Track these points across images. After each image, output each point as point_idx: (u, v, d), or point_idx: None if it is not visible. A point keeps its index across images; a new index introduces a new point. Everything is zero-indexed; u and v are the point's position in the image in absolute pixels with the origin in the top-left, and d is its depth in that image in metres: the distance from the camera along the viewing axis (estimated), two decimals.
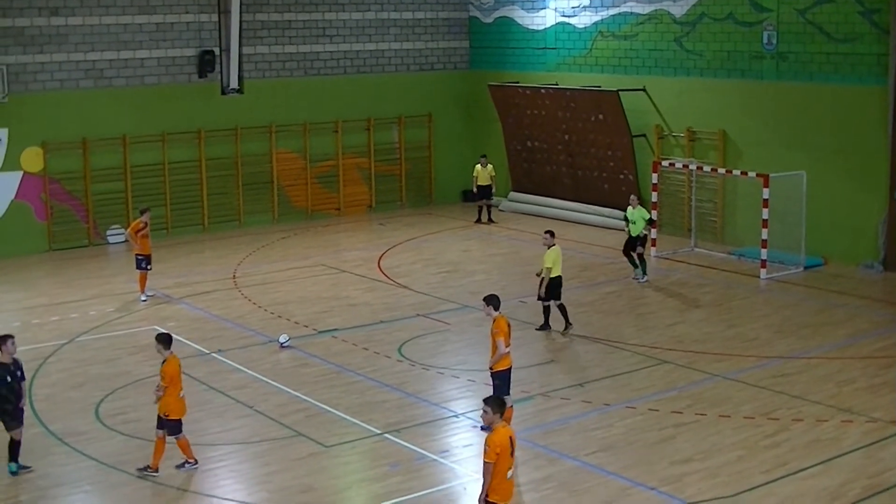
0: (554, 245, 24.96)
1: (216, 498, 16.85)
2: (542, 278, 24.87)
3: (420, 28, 41.58)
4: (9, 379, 17.46)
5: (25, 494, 16.94)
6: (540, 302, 25.27)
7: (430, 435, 19.20)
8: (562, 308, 25.12)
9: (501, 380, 18.80)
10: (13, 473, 17.56)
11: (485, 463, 13.48)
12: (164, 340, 17.63)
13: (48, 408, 20.44)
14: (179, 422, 17.56)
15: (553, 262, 24.86)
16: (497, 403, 13.77)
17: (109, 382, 21.74)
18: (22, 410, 17.74)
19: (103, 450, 18.50)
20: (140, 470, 17.53)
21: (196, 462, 17.71)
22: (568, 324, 25.08)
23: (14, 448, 17.68)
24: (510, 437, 13.61)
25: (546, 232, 25.44)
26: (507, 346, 18.66)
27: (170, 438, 17.51)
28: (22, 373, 17.75)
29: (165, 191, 36.15)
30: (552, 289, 24.99)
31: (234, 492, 17.09)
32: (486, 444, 13.50)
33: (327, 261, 32.54)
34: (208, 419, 19.95)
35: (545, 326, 25.23)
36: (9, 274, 31.54)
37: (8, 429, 17.66)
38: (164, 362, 17.44)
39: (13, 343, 17.65)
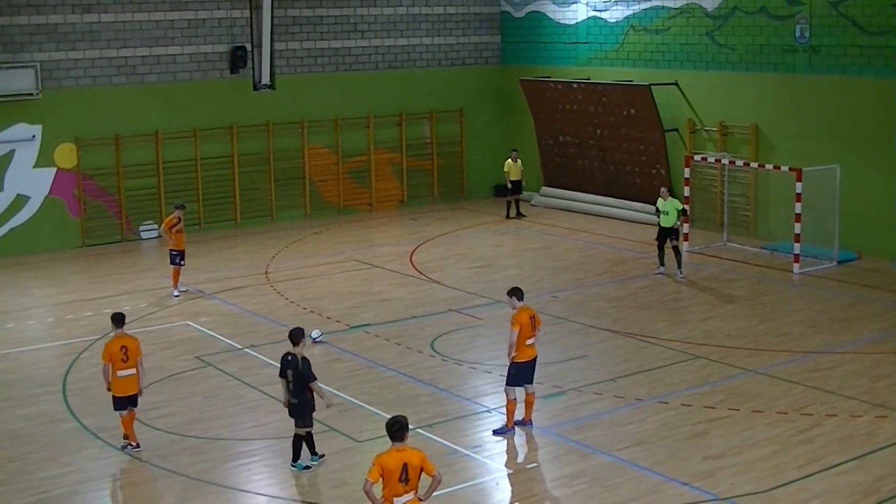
0: None
1: (249, 493, 16.91)
2: None
3: (451, 23, 41.56)
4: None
5: (59, 489, 17.05)
6: None
7: (463, 430, 19.21)
8: None
9: (517, 370, 18.78)
10: (305, 468, 17.66)
11: (365, 479, 12.91)
12: (115, 319, 18.56)
13: (82, 402, 20.55)
14: (115, 399, 18.31)
15: None
16: (391, 427, 13.20)
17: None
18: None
19: None
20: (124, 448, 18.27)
21: (138, 445, 18.37)
22: None
23: (307, 442, 17.82)
24: (404, 464, 12.97)
25: None
26: (529, 339, 18.67)
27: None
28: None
29: (198, 186, 36.27)
30: None
31: (268, 486, 17.14)
32: (372, 461, 13.04)
33: (359, 256, 32.57)
34: (241, 414, 20.03)
35: None
36: (43, 269, 31.74)
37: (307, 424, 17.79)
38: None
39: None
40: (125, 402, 18.25)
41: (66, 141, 34.14)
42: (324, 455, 17.84)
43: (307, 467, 17.59)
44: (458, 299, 27.63)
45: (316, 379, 17.51)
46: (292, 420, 17.64)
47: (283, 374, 17.64)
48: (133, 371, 18.20)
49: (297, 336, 17.64)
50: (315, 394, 17.53)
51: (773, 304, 27.15)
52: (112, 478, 17.67)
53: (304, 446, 17.74)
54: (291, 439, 17.74)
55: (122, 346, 18.12)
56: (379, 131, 39.87)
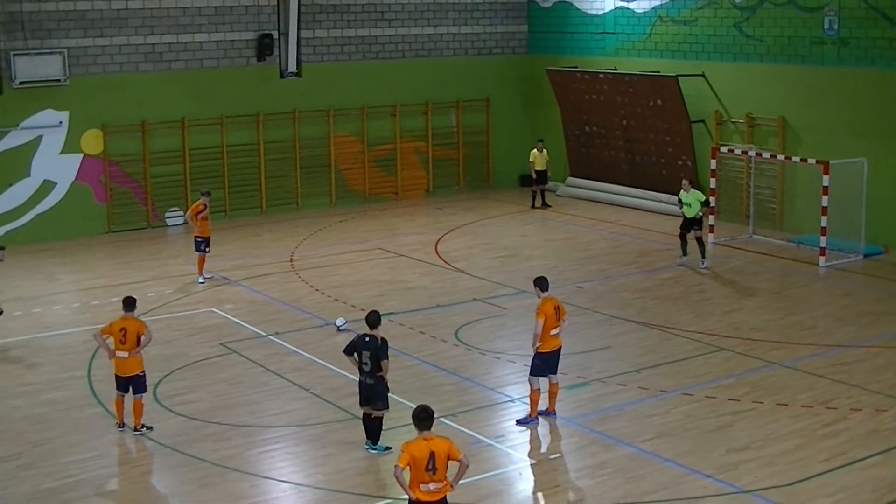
0: None
1: (272, 480, 16.95)
2: None
3: (478, 12, 41.50)
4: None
5: (84, 474, 17.13)
6: None
7: (486, 419, 19.22)
8: None
9: (542, 360, 18.77)
10: (387, 449, 17.75)
11: (395, 465, 13.10)
12: (125, 303, 18.86)
13: (107, 389, 20.55)
14: (115, 377, 18.79)
15: None
16: (418, 415, 13.36)
17: (167, 364, 21.90)
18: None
19: (161, 431, 18.66)
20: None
21: (123, 425, 18.86)
22: None
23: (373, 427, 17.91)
24: (431, 452, 13.07)
25: None
26: (554, 329, 18.65)
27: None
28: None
29: (224, 174, 36.34)
30: None
31: (291, 474, 17.18)
32: (401, 448, 13.20)
33: (384, 244, 32.59)
34: (265, 401, 20.08)
35: None
36: (69, 255, 31.86)
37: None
38: None
39: None
40: (122, 383, 18.59)
41: (92, 127, 34.25)
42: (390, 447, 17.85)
43: (388, 448, 17.61)
44: (482, 289, 27.62)
45: (387, 359, 17.49)
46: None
47: (350, 352, 17.69)
48: (126, 354, 18.42)
49: (375, 320, 17.59)
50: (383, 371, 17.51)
51: (799, 297, 27.07)
52: (136, 463, 17.74)
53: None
54: (362, 422, 17.89)
55: (122, 328, 18.45)
56: (405, 120, 39.86)
